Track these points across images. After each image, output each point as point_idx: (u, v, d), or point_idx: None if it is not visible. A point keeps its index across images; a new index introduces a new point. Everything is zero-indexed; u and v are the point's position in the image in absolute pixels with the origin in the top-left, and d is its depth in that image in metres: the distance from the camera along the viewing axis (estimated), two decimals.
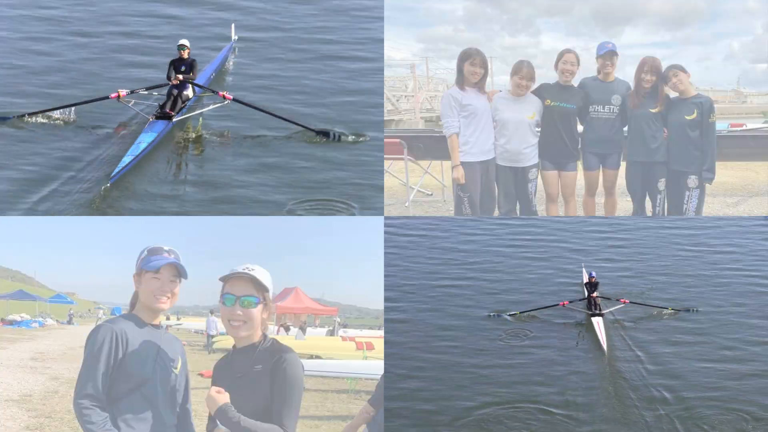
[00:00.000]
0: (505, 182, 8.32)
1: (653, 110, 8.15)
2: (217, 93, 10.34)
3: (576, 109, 8.30)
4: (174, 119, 10.04)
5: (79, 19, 13.15)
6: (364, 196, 9.04)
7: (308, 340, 17.23)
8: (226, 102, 10.24)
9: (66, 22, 13.05)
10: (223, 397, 3.30)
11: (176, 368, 3.58)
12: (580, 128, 8.49)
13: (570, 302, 10.22)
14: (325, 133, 10.06)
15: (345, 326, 24.04)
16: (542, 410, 7.70)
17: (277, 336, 12.97)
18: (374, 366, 10.64)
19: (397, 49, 22.66)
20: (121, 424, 3.38)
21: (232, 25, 12.59)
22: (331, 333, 21.24)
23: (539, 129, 8.35)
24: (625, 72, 8.49)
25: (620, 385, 8.28)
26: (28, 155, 9.49)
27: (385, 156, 9.95)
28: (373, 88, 11.46)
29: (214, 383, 3.42)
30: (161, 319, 3.70)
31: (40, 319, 27.64)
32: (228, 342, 3.92)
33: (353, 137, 10.10)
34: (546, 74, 8.54)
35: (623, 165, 8.48)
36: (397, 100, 21.81)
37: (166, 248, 3.57)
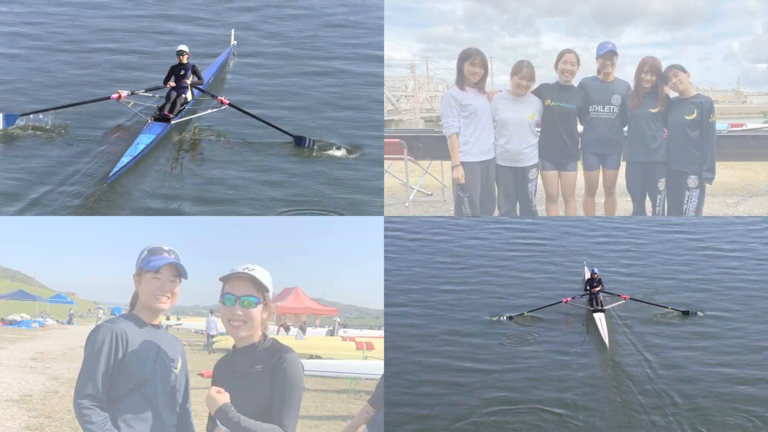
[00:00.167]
0: (505, 182, 8.32)
1: (653, 110, 8.15)
2: (216, 97, 10.52)
3: (576, 109, 8.30)
4: (172, 121, 10.18)
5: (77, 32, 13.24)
6: (363, 200, 9.03)
7: (308, 340, 17.22)
8: (223, 107, 10.40)
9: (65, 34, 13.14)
10: (223, 397, 3.30)
11: (176, 368, 3.58)
12: (580, 128, 8.50)
13: (572, 298, 10.34)
14: (300, 140, 9.95)
15: (345, 326, 24.02)
16: (542, 410, 7.69)
17: (277, 336, 12.97)
18: (374, 366, 10.64)
19: (397, 49, 22.67)
20: (121, 424, 3.38)
21: (232, 30, 12.71)
22: (331, 333, 21.22)
23: (539, 129, 8.35)
24: (625, 72, 8.50)
25: (623, 383, 8.27)
26: (24, 158, 9.57)
27: (385, 156, 9.95)
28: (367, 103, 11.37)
29: (214, 383, 3.42)
30: (161, 319, 3.70)
31: (40, 319, 27.59)
32: (228, 342, 3.92)
33: (345, 151, 9.93)
34: (546, 74, 8.56)
35: (623, 165, 8.48)
36: (397, 100, 21.79)
37: (166, 248, 3.58)
